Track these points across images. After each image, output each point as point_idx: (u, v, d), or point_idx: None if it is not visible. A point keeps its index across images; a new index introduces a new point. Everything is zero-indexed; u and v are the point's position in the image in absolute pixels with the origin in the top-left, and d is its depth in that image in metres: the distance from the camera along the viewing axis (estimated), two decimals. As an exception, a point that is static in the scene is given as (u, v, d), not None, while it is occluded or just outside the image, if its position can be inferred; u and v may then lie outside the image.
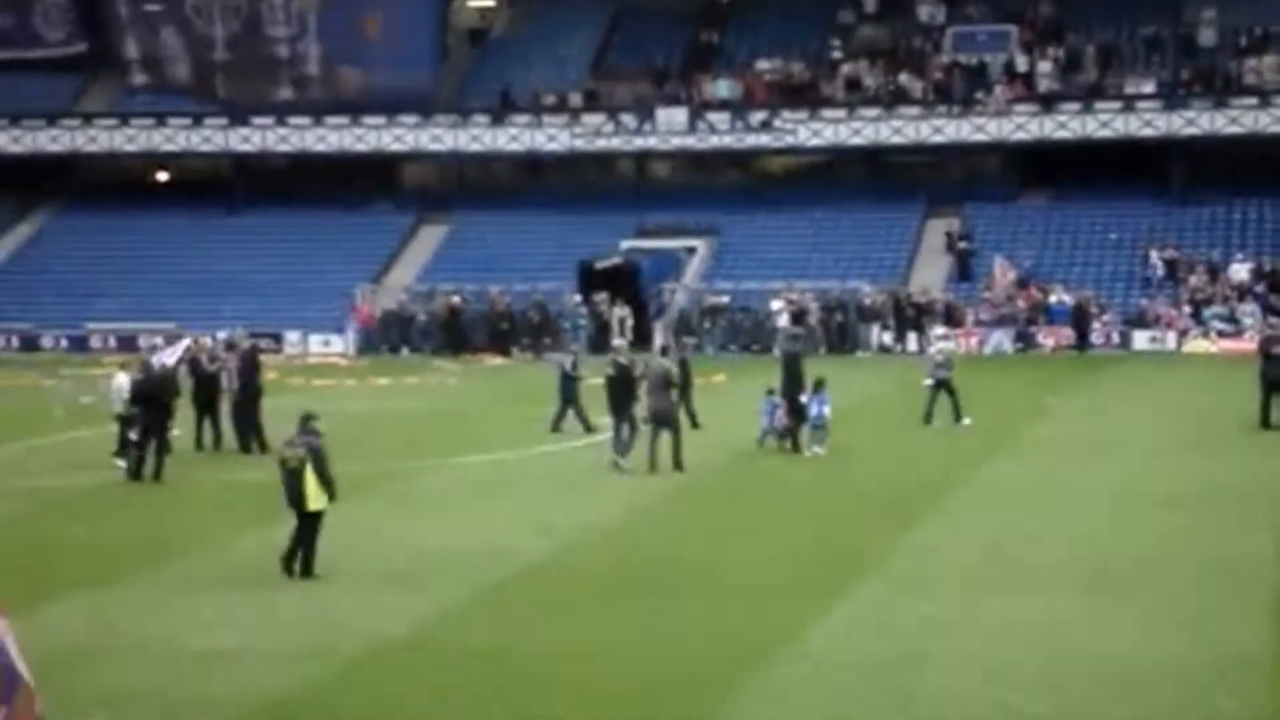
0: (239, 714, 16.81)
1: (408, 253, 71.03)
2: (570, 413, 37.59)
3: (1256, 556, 23.21)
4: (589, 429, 36.83)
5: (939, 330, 57.74)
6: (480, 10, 79.53)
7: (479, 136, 71.57)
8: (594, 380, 36.75)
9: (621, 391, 32.76)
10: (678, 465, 31.69)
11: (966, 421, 37.75)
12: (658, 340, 56.09)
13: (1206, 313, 60.86)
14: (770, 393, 34.65)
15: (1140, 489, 29.30)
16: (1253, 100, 66.56)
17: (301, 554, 22.41)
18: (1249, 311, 59.97)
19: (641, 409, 32.61)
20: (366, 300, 66.19)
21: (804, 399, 34.00)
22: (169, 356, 35.20)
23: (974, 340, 60.23)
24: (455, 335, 63.50)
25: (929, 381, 38.81)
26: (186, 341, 36.79)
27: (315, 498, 22.17)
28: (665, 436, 31.90)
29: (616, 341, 40.46)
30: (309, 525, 22.34)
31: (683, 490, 30.19)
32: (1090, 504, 27.94)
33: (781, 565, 23.32)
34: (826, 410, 34.00)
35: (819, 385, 34.09)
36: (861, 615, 20.33)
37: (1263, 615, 19.87)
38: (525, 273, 64.94)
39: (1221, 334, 59.60)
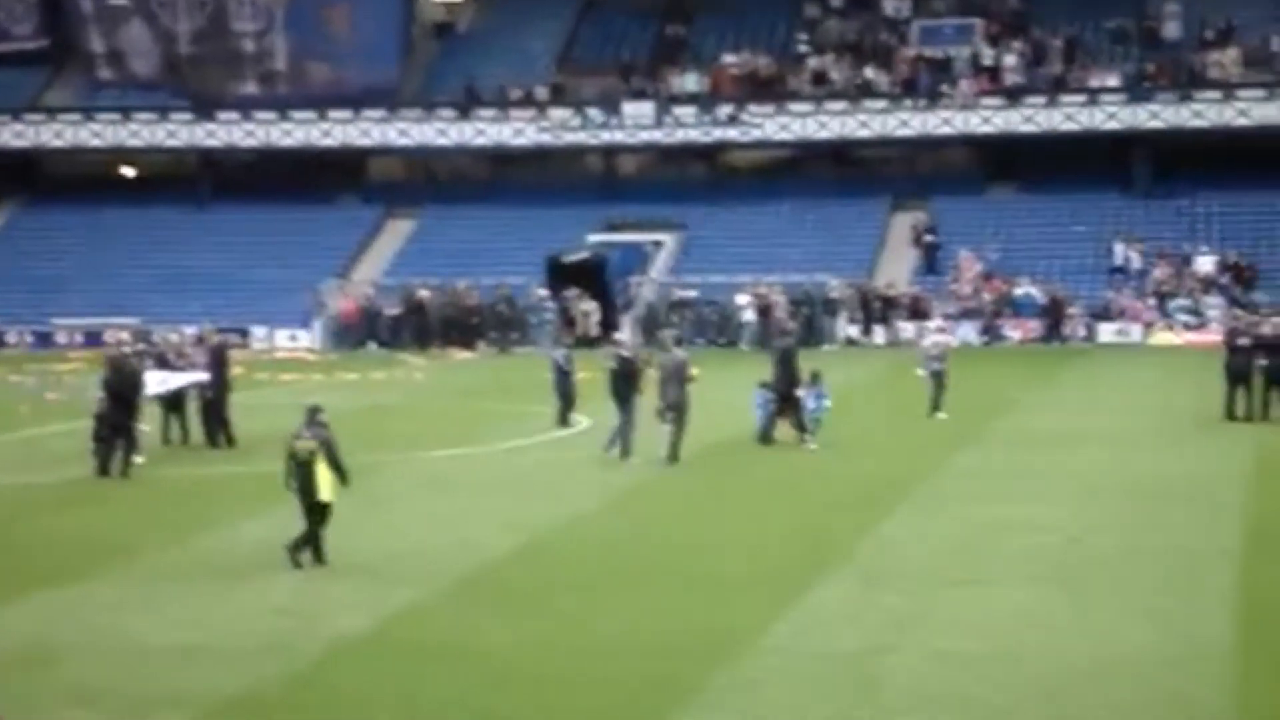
0: (205, 711, 16.77)
1: (375, 247, 71.00)
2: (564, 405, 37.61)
3: (1221, 548, 23.32)
4: (564, 423, 36.90)
5: (935, 323, 57.60)
6: (446, 5, 79.44)
7: (445, 131, 71.55)
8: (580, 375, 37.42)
9: (624, 384, 32.88)
10: (674, 457, 31.87)
11: (941, 416, 37.92)
12: (625, 334, 56.19)
13: (1172, 305, 61.10)
14: (764, 385, 34.71)
15: (1107, 480, 29.41)
16: (1217, 94, 66.83)
17: (310, 544, 22.71)
18: (1214, 304, 60.22)
19: (650, 401, 32.81)
20: (340, 293, 66.12)
21: (800, 393, 34.13)
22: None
23: (938, 332, 60.26)
24: (422, 329, 63.52)
25: (922, 372, 39.09)
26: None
27: (326, 488, 22.49)
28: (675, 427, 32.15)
29: (618, 335, 40.77)
30: (319, 515, 22.65)
31: (653, 484, 30.23)
32: (1057, 495, 28.04)
33: (751, 557, 23.37)
34: (826, 403, 34.18)
35: (815, 378, 34.26)
36: (830, 607, 20.37)
37: (1226, 606, 19.96)
38: (492, 267, 64.92)
39: (1187, 326, 59.83)
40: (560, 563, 23.51)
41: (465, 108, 71.74)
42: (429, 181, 74.92)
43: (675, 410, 32.16)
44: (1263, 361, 36.83)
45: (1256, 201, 65.15)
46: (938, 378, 38.66)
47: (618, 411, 32.85)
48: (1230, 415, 36.63)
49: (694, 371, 33.08)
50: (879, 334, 61.54)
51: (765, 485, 29.98)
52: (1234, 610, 19.78)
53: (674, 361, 32.92)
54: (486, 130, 71.13)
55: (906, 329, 60.75)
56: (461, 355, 60.43)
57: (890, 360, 53.40)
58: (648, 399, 32.81)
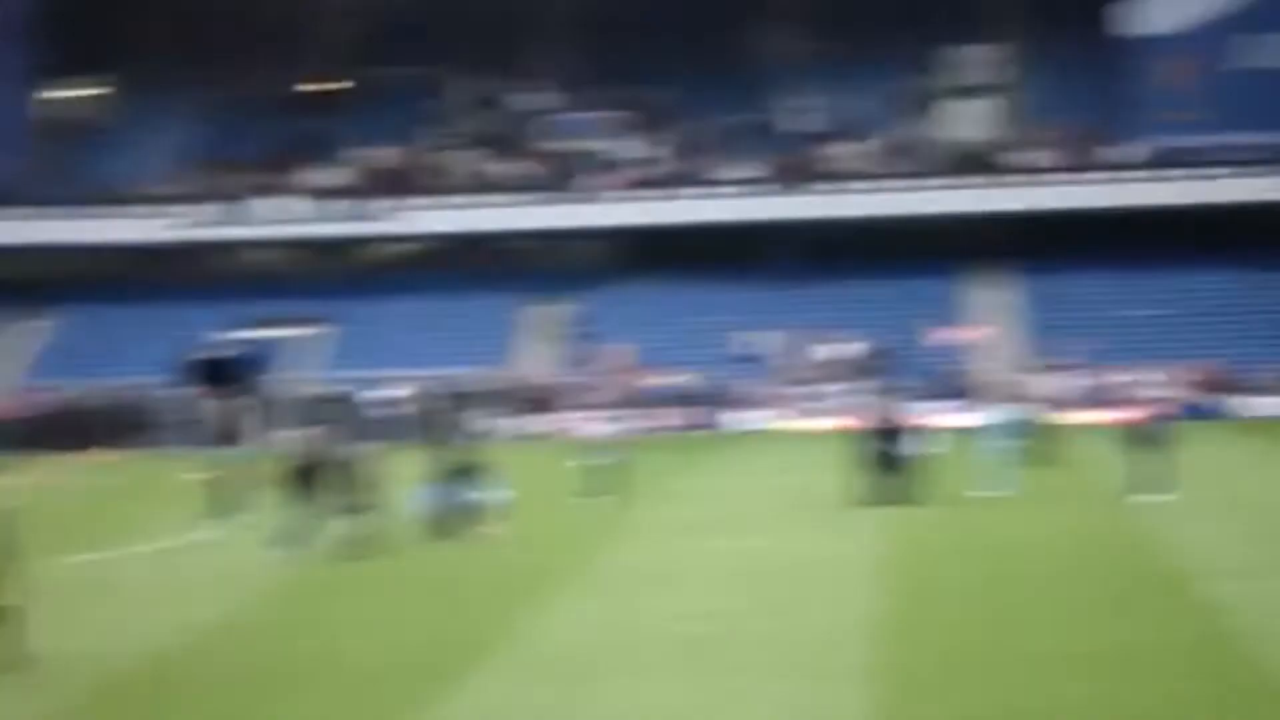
0: None
1: (11, 349, 69.45)
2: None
3: (854, 631, 23.97)
4: (216, 523, 36.70)
5: (606, 414, 58.23)
6: (73, 100, 78.19)
7: (81, 229, 70.39)
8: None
9: (304, 478, 32.80)
10: (349, 554, 31.93)
11: (596, 501, 38.92)
12: (282, 433, 55.91)
13: (808, 391, 62.57)
14: (431, 481, 34.84)
15: (749, 566, 30.01)
16: (839, 185, 68.96)
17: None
18: (850, 389, 61.74)
19: (332, 497, 32.86)
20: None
21: (467, 485, 34.53)
22: None
23: (586, 424, 60.94)
24: (61, 432, 62.27)
25: (593, 462, 40.54)
26: None
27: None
28: (365, 525, 32.22)
29: (309, 431, 40.58)
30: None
31: (310, 580, 30.05)
32: (701, 584, 28.54)
33: (402, 653, 23.39)
34: (499, 495, 34.57)
35: (481, 469, 34.67)
36: (480, 702, 20.51)
37: (863, 688, 20.56)
38: (131, 366, 64.00)
39: (822, 412, 61.23)
40: (208, 664, 23.28)
41: (99, 204, 70.64)
42: (66, 281, 73.53)
43: (363, 506, 32.37)
44: (890, 445, 38.08)
45: (895, 289, 67.24)
46: (609, 468, 39.64)
47: (293, 505, 32.75)
48: (862, 498, 37.68)
49: (382, 468, 33.25)
50: (521, 426, 61.96)
51: (421, 579, 30.02)
52: (870, 692, 20.38)
53: (355, 457, 33.09)
54: (123, 227, 70.15)
55: (548, 421, 61.31)
56: (101, 457, 59.33)
57: (534, 452, 53.84)
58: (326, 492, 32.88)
